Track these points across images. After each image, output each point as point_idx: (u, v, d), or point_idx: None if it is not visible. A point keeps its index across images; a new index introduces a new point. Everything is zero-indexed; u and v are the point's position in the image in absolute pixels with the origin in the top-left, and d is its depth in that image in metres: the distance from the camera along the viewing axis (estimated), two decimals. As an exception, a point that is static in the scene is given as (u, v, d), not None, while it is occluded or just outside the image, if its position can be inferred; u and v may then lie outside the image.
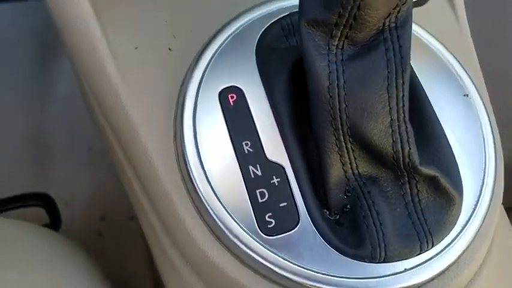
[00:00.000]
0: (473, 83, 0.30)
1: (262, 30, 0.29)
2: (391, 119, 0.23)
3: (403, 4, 0.21)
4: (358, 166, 0.25)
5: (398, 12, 0.22)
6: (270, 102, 0.27)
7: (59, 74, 0.78)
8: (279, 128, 0.26)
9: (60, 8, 0.30)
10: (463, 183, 0.27)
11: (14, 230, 0.33)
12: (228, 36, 0.29)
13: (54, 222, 0.53)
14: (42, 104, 0.76)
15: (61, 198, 0.60)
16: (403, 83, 0.22)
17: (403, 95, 0.23)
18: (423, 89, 0.28)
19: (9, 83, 0.79)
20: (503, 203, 0.31)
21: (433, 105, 0.28)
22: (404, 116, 0.23)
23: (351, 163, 0.25)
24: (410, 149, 0.23)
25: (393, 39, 0.22)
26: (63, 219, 0.60)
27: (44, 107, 0.76)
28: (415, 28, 0.31)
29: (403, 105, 0.23)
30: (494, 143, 0.29)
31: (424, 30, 0.31)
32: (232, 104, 0.27)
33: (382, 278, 0.25)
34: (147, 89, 0.28)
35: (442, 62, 0.30)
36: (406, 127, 0.23)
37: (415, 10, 0.33)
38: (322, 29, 0.22)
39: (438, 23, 0.32)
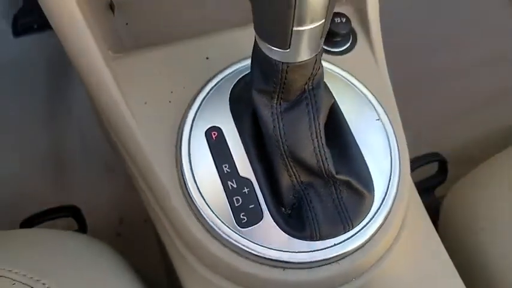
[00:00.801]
0: (385, 111, 0.42)
1: (233, 84, 0.41)
2: (314, 146, 0.35)
3: (314, 76, 0.33)
4: (300, 177, 0.37)
5: (312, 80, 0.34)
6: (240, 137, 0.39)
7: (73, 96, 0.91)
8: (247, 154, 0.38)
9: (83, 67, 0.42)
10: (375, 183, 0.39)
11: (60, 238, 0.45)
12: (210, 89, 0.41)
13: (81, 228, 0.66)
14: (59, 124, 0.88)
15: (83, 206, 0.73)
16: (319, 123, 0.35)
17: (320, 131, 0.35)
18: (345, 119, 0.40)
19: (29, 105, 0.91)
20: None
21: (353, 127, 0.40)
22: (322, 144, 0.35)
23: (294, 175, 0.37)
24: (328, 164, 0.35)
25: (311, 97, 0.34)
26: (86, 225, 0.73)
27: (61, 126, 0.88)
28: (341, 72, 0.44)
29: (321, 137, 0.35)
30: (399, 152, 0.41)
31: (348, 73, 0.43)
32: (214, 138, 0.39)
33: (319, 251, 0.37)
34: (155, 129, 0.41)
35: (361, 97, 0.43)
36: (324, 151, 0.35)
37: (343, 57, 0.46)
38: (266, 94, 0.34)
39: (361, 66, 0.45)
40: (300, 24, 0.27)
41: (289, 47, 0.29)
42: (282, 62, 0.31)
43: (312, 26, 0.28)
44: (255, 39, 0.32)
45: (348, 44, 0.46)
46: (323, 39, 0.31)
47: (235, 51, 0.43)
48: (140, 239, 0.69)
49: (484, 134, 0.92)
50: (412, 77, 1.03)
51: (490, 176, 0.54)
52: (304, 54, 0.30)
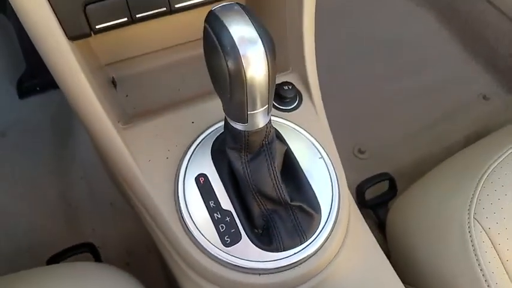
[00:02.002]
0: (325, 151, 0.57)
1: (213, 141, 0.56)
2: (273, 183, 0.50)
3: (268, 135, 0.48)
4: (266, 205, 0.52)
5: (267, 138, 0.49)
6: (221, 180, 0.53)
7: (76, 147, 1.04)
8: (226, 192, 0.53)
9: (98, 137, 0.56)
10: (321, 205, 0.53)
11: (93, 270, 0.57)
12: (196, 146, 0.56)
13: (97, 261, 0.79)
14: (66, 172, 1.01)
15: (94, 242, 0.85)
16: (275, 167, 0.49)
17: (276, 172, 0.50)
18: (296, 160, 0.55)
19: (37, 158, 1.04)
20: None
21: (303, 164, 0.55)
22: (278, 181, 0.50)
23: (262, 205, 0.52)
24: (284, 195, 0.50)
25: (267, 149, 0.49)
26: (100, 257, 0.85)
27: (67, 173, 1.02)
28: (292, 124, 0.59)
29: (277, 176, 0.50)
30: (337, 180, 0.56)
31: (297, 125, 0.59)
32: (202, 182, 0.53)
33: (284, 259, 0.51)
34: (158, 179, 0.55)
35: (307, 142, 0.58)
36: (281, 186, 0.50)
37: (293, 113, 0.61)
38: (236, 150, 0.49)
39: (306, 119, 0.60)
40: (252, 110, 0.42)
41: (247, 122, 0.44)
42: (244, 131, 0.46)
43: (259, 110, 0.43)
44: (225, 118, 0.47)
45: (296, 103, 0.61)
46: (270, 114, 0.46)
47: (213, 116, 0.58)
48: (146, 266, 0.82)
49: (429, 152, 1.08)
50: (367, 105, 1.20)
51: (421, 193, 0.69)
52: (257, 125, 0.45)
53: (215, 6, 0.40)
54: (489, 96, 1.25)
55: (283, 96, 0.61)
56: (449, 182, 0.64)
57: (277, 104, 0.62)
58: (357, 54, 1.29)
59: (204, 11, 0.51)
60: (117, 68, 0.69)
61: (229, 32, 0.38)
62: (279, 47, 0.64)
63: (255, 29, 0.38)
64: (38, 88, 1.13)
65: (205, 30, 0.39)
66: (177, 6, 0.50)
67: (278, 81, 0.63)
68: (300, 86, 0.63)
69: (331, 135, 0.61)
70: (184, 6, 0.51)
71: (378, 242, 0.58)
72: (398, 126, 1.15)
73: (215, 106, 0.59)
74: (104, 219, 0.92)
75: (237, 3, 0.40)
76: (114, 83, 0.68)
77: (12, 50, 1.20)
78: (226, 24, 0.38)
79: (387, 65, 1.28)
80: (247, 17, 0.39)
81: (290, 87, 0.61)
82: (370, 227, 0.59)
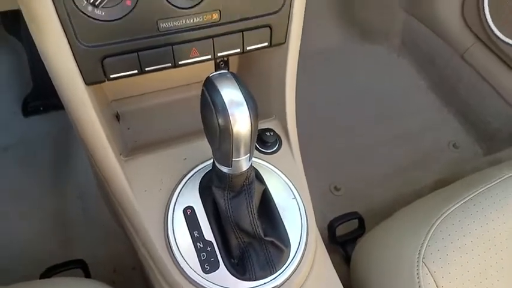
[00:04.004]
0: (298, 192, 0.66)
1: (201, 177, 0.64)
2: (250, 220, 0.58)
3: (248, 177, 0.57)
4: (243, 239, 0.59)
5: (247, 180, 0.57)
6: (205, 213, 0.61)
7: (74, 168, 1.11)
8: (209, 225, 0.60)
9: (102, 167, 0.64)
10: (291, 241, 0.61)
11: (83, 285, 0.64)
12: (186, 180, 0.64)
13: (87, 277, 0.84)
14: (63, 191, 1.08)
15: (85, 260, 0.91)
16: (253, 205, 0.58)
17: (253, 210, 0.58)
18: (272, 199, 0.63)
19: (37, 176, 1.11)
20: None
21: (277, 203, 0.63)
22: (255, 218, 0.58)
23: (239, 238, 0.59)
24: (259, 231, 0.58)
25: (247, 190, 0.57)
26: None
27: (64, 193, 1.08)
28: (271, 166, 0.67)
29: (254, 214, 0.58)
30: (307, 220, 0.64)
31: (275, 167, 0.67)
32: (189, 214, 0.61)
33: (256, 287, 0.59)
34: (151, 207, 0.62)
35: (283, 183, 0.66)
36: (256, 222, 0.58)
37: (273, 155, 0.70)
38: (220, 188, 0.57)
39: (284, 162, 0.69)
40: (236, 157, 0.51)
41: (232, 167, 0.53)
42: (228, 173, 0.54)
43: (242, 157, 0.51)
44: (213, 161, 0.55)
45: (276, 147, 0.70)
46: (251, 160, 0.54)
47: (203, 154, 0.66)
48: (132, 284, 0.88)
49: (400, 194, 1.17)
50: (346, 147, 1.30)
51: (382, 233, 0.77)
52: (240, 170, 0.53)
53: (212, 74, 0.49)
54: (459, 144, 1.36)
55: (265, 140, 0.70)
56: (407, 226, 0.73)
57: (260, 147, 0.70)
58: (338, 100, 1.40)
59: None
60: (121, 103, 0.78)
61: (221, 96, 0.46)
62: (264, 98, 0.74)
63: (242, 94, 0.47)
64: (41, 108, 1.20)
65: (202, 92, 0.48)
66: (180, 62, 0.59)
67: (262, 126, 0.72)
68: (280, 132, 0.72)
69: (305, 178, 0.69)
70: (187, 63, 0.60)
71: (344, 276, 0.66)
72: (373, 168, 1.25)
73: (205, 145, 0.67)
74: (95, 238, 0.99)
75: (229, 72, 0.49)
76: (118, 117, 0.76)
77: (20, 70, 1.28)
78: (219, 89, 0.47)
79: (366, 111, 1.39)
80: (237, 84, 0.48)
81: (271, 133, 0.70)
82: (339, 262, 0.67)
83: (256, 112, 0.48)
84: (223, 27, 0.58)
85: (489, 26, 1.26)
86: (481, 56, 1.34)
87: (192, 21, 0.56)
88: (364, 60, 1.55)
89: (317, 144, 1.26)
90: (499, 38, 1.24)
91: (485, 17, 1.26)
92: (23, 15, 0.52)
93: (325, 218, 1.05)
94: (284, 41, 0.65)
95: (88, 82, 0.55)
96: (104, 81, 0.57)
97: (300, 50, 0.69)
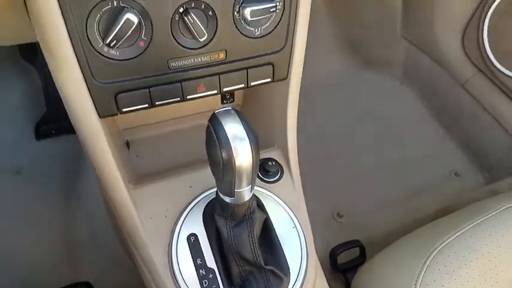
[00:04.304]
0: (298, 221, 0.68)
1: (205, 205, 0.67)
2: (251, 248, 0.60)
3: (250, 207, 0.59)
4: (244, 267, 0.62)
5: (249, 209, 0.60)
6: (208, 241, 0.64)
7: (83, 191, 1.14)
8: (212, 252, 0.63)
9: (112, 194, 0.67)
10: (290, 269, 0.63)
11: None
12: (191, 208, 0.67)
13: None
14: (72, 214, 1.11)
15: (91, 282, 0.94)
16: (254, 234, 0.60)
17: (254, 239, 0.60)
18: (273, 228, 0.65)
19: (47, 198, 1.14)
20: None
21: (278, 232, 0.65)
22: (256, 247, 0.60)
23: (240, 266, 0.61)
24: (260, 260, 0.60)
25: (248, 219, 0.60)
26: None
27: (73, 216, 1.11)
28: (272, 195, 0.70)
29: (255, 243, 0.60)
30: (307, 249, 0.66)
31: (276, 196, 0.70)
32: (192, 241, 0.64)
33: (255, 313, 0.60)
34: (156, 234, 0.65)
35: (284, 212, 0.69)
36: (257, 251, 0.60)
37: (275, 184, 0.73)
38: (223, 217, 0.60)
39: (285, 191, 0.71)
40: (238, 188, 0.54)
41: (234, 197, 0.55)
42: (231, 203, 0.57)
43: (244, 188, 0.54)
44: (217, 191, 0.58)
45: (277, 176, 0.73)
46: (253, 191, 0.57)
47: (207, 182, 0.69)
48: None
49: (401, 223, 1.19)
50: (350, 173, 1.32)
51: (381, 262, 0.79)
52: (242, 200, 0.56)
53: (217, 110, 0.52)
54: (460, 173, 1.37)
55: (267, 170, 0.73)
56: (405, 256, 0.74)
57: (262, 175, 0.73)
58: (341, 126, 1.43)
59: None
60: (131, 132, 0.81)
61: (225, 131, 0.50)
62: (267, 129, 0.77)
63: (244, 130, 0.50)
64: (53, 132, 1.25)
65: (208, 127, 0.52)
66: (188, 97, 0.63)
67: (265, 156, 0.76)
68: (282, 161, 0.75)
69: (305, 207, 0.72)
70: (194, 97, 0.63)
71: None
72: (376, 195, 1.27)
73: (210, 173, 0.70)
74: (103, 262, 1.01)
75: (233, 108, 0.53)
76: (128, 145, 0.80)
77: (34, 94, 1.33)
78: (223, 125, 0.50)
79: (369, 138, 1.42)
80: (239, 120, 0.51)
81: (273, 163, 0.73)
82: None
83: (257, 146, 0.51)
84: (229, 65, 0.62)
85: (488, 58, 1.29)
86: (481, 86, 1.37)
87: (200, 60, 0.59)
88: (367, 87, 1.59)
89: (320, 170, 1.29)
90: (498, 69, 1.27)
91: (485, 49, 1.30)
92: (42, 51, 0.56)
93: (328, 244, 1.07)
94: (286, 77, 0.68)
95: (102, 115, 0.59)
96: (117, 114, 0.60)
97: (303, 78, 0.72)
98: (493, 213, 0.76)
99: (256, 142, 0.51)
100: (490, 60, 1.29)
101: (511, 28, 1.21)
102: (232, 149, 0.49)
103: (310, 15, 0.65)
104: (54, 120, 1.25)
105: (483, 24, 1.28)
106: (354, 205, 1.23)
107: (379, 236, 1.10)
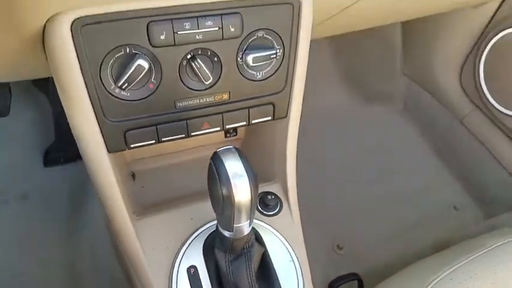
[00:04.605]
0: (296, 254, 0.70)
1: (205, 237, 0.69)
2: (248, 282, 0.62)
3: (248, 241, 0.62)
4: (242, 299, 0.64)
5: (248, 243, 0.62)
6: (208, 273, 0.66)
7: (88, 219, 1.17)
8: (211, 284, 0.65)
9: (116, 224, 0.70)
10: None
11: None
12: (192, 240, 0.69)
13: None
14: (76, 241, 1.13)
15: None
16: (252, 268, 0.62)
17: (252, 272, 0.62)
18: (271, 261, 0.68)
19: (52, 225, 1.17)
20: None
21: (276, 265, 0.67)
22: (253, 280, 0.62)
23: (239, 298, 0.64)
24: (257, 292, 0.62)
25: (247, 253, 0.62)
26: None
27: (76, 243, 1.14)
28: (270, 228, 0.73)
29: (253, 276, 0.62)
30: (304, 284, 0.68)
31: (275, 229, 0.72)
32: (192, 273, 0.66)
33: None
34: (157, 265, 0.67)
35: (281, 245, 0.71)
36: (255, 284, 0.62)
37: (273, 218, 0.75)
38: (222, 250, 0.62)
39: (284, 224, 0.74)
40: (237, 223, 0.57)
41: (233, 232, 0.58)
42: (230, 237, 0.59)
43: (243, 223, 0.57)
44: (217, 225, 0.61)
45: (277, 210, 0.76)
46: (251, 226, 0.60)
47: (208, 215, 0.72)
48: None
49: (400, 256, 1.20)
50: (349, 205, 1.34)
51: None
52: (241, 234, 0.59)
53: (219, 148, 0.56)
54: (459, 207, 1.39)
55: (266, 203, 0.75)
56: (400, 291, 0.76)
57: (262, 209, 0.76)
58: (341, 158, 1.47)
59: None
60: (137, 163, 0.85)
61: (226, 169, 0.53)
62: (267, 163, 0.80)
63: (243, 167, 0.54)
64: (61, 160, 1.29)
65: (210, 165, 0.55)
66: (192, 134, 0.67)
67: (264, 189, 0.79)
68: (281, 195, 0.78)
69: (303, 242, 0.74)
70: (198, 134, 0.67)
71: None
72: (375, 227, 1.28)
73: (211, 206, 0.73)
74: (103, 287, 1.02)
75: (234, 147, 0.56)
76: (133, 176, 0.83)
77: (44, 121, 1.38)
78: (224, 163, 0.54)
79: (369, 170, 1.45)
80: (239, 158, 0.55)
81: (273, 196, 0.76)
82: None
83: (256, 184, 0.55)
84: (232, 105, 0.66)
85: (485, 95, 1.33)
86: (479, 122, 1.40)
87: (205, 100, 0.64)
88: (368, 120, 1.63)
89: (321, 200, 1.31)
90: (494, 107, 1.31)
91: (481, 86, 1.34)
92: (57, 89, 0.60)
93: (328, 277, 1.08)
94: (285, 115, 0.72)
95: (111, 151, 0.62)
96: (125, 149, 0.64)
97: (304, 110, 0.76)
98: (487, 250, 0.78)
99: (255, 179, 0.55)
100: (487, 98, 1.33)
101: (506, 69, 1.25)
102: (232, 186, 0.53)
103: (312, 49, 0.69)
104: (62, 148, 1.29)
105: (479, 63, 1.33)
106: (353, 237, 1.24)
107: (378, 269, 1.11)
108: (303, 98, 0.73)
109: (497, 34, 1.28)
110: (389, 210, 1.35)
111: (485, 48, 1.31)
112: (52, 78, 0.60)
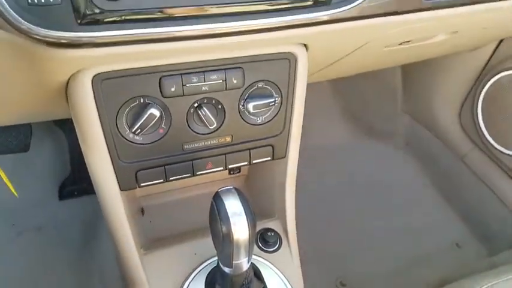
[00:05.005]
0: (294, 290, 0.74)
1: (207, 273, 0.73)
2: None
3: (247, 277, 0.66)
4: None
5: (247, 279, 0.66)
6: None
7: (99, 251, 1.22)
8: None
9: (124, 259, 0.74)
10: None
11: None
12: (195, 275, 0.74)
13: None
14: (87, 274, 1.17)
15: None
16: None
17: None
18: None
19: (63, 255, 1.21)
20: None
21: None
22: None
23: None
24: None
25: (247, 284, 0.66)
26: None
27: (86, 275, 1.18)
28: (269, 264, 0.76)
29: None
30: None
31: (274, 265, 0.76)
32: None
33: None
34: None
35: (281, 281, 0.74)
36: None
37: (273, 254, 0.79)
38: (223, 286, 0.66)
39: (283, 260, 0.78)
40: (236, 260, 0.61)
41: (232, 268, 0.62)
42: (230, 273, 0.63)
43: (242, 260, 0.61)
44: (217, 261, 0.65)
45: (276, 246, 0.80)
46: (250, 262, 0.64)
47: (211, 250, 0.76)
48: None
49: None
50: (352, 240, 1.36)
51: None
52: (240, 270, 0.63)
53: (220, 188, 0.61)
54: (462, 244, 1.40)
55: (266, 240, 0.80)
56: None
57: (262, 245, 0.80)
58: (344, 192, 1.50)
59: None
60: (146, 198, 0.90)
61: (226, 208, 0.58)
62: (268, 200, 0.85)
63: (242, 207, 0.59)
64: (76, 193, 1.35)
65: (211, 204, 0.60)
66: (198, 173, 0.72)
67: (264, 226, 0.83)
68: (281, 232, 0.82)
69: (302, 278, 0.77)
70: (203, 173, 0.73)
71: None
72: (378, 264, 1.30)
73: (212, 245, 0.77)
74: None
75: (234, 187, 0.61)
76: (142, 211, 0.89)
77: (60, 156, 1.45)
78: (224, 202, 0.59)
79: (372, 205, 1.48)
80: (239, 198, 0.60)
81: (273, 233, 0.80)
82: None
83: (254, 222, 0.59)
84: (234, 147, 0.72)
85: (484, 135, 1.37)
86: (479, 160, 1.44)
87: (209, 143, 0.70)
88: (370, 155, 1.67)
89: (323, 236, 1.34)
90: (493, 146, 1.35)
91: (480, 126, 1.38)
92: (76, 132, 0.66)
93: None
94: (284, 156, 0.78)
95: (123, 189, 0.68)
96: (136, 188, 0.70)
97: (307, 144, 0.81)
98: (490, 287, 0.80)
99: (253, 218, 0.59)
100: (485, 137, 1.37)
101: (502, 109, 1.30)
102: (231, 224, 0.57)
103: (312, 87, 0.75)
104: (77, 182, 1.36)
105: (477, 104, 1.38)
106: (356, 274, 1.26)
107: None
108: (304, 134, 0.79)
109: (493, 77, 1.33)
110: (392, 247, 1.36)
111: (482, 89, 1.36)
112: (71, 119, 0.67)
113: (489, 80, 1.35)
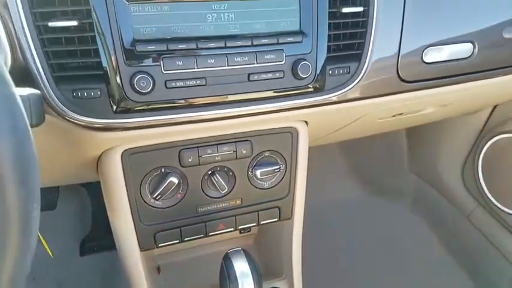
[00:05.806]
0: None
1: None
2: None
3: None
4: None
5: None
6: None
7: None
8: None
9: None
10: None
11: None
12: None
13: None
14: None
15: None
16: None
17: None
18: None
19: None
20: None
21: None
22: None
23: None
24: None
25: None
26: None
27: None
28: None
29: None
30: None
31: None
32: None
33: None
34: None
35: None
36: None
37: None
38: None
39: None
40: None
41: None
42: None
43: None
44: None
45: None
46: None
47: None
48: None
49: None
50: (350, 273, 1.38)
51: None
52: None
53: (230, 250, 0.68)
54: (472, 304, 1.39)
55: (275, 294, 0.85)
56: None
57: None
58: (351, 249, 1.53)
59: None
60: (162, 257, 0.97)
61: (234, 269, 0.65)
62: (277, 260, 0.91)
63: (249, 268, 0.65)
64: (95, 249, 1.42)
65: (221, 264, 0.67)
66: (210, 234, 0.79)
67: (273, 285, 0.88)
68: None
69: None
70: (215, 233, 0.80)
71: None
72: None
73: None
74: None
75: (242, 249, 0.68)
76: (159, 269, 0.95)
77: (83, 215, 1.54)
78: (233, 263, 0.66)
79: (379, 263, 1.50)
80: (246, 260, 0.66)
81: (280, 292, 0.85)
82: None
83: (260, 282, 0.66)
84: (244, 209, 0.80)
85: (486, 194, 1.42)
86: (483, 219, 1.47)
87: (221, 205, 0.78)
88: (377, 213, 1.71)
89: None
90: (495, 205, 1.39)
91: (482, 186, 1.43)
92: (104, 198, 0.75)
93: None
94: (290, 217, 0.85)
95: (142, 249, 0.76)
96: (154, 248, 0.77)
97: (314, 203, 0.88)
98: None
99: (259, 279, 0.66)
100: (488, 197, 1.41)
101: (501, 170, 1.35)
102: (239, 285, 0.64)
103: (320, 146, 0.83)
104: (98, 238, 1.43)
105: (477, 164, 1.44)
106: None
107: None
108: (312, 191, 0.86)
109: (491, 139, 1.40)
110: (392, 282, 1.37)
111: (481, 150, 1.43)
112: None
113: (487, 141, 1.41)
